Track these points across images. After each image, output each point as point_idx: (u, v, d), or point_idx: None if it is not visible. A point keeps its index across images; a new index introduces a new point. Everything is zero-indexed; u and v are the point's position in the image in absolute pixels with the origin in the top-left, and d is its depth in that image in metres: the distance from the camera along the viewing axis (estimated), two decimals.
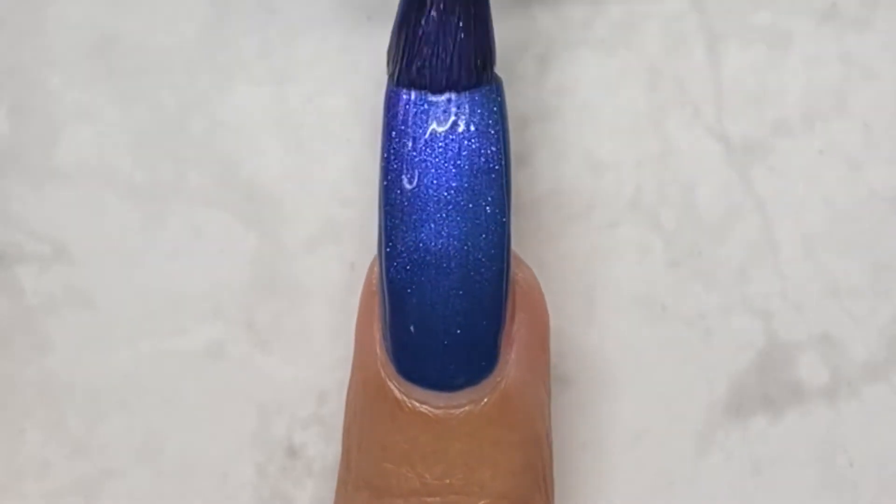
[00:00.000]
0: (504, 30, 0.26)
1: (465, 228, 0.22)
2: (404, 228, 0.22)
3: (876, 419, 0.26)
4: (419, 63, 0.22)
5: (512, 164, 0.26)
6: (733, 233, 0.26)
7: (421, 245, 0.22)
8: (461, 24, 0.21)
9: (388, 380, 0.22)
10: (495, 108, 0.22)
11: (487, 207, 0.22)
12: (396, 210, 0.22)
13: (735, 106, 0.27)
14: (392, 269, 0.22)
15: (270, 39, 0.27)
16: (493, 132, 0.22)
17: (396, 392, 0.22)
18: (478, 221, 0.22)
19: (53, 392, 0.26)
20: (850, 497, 0.26)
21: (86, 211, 0.27)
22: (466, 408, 0.22)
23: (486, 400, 0.22)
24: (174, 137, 0.27)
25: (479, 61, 0.22)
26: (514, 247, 0.26)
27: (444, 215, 0.22)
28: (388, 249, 0.22)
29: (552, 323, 0.26)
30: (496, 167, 0.22)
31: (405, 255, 0.22)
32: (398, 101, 0.22)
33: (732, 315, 0.26)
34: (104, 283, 0.27)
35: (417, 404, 0.22)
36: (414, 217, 0.22)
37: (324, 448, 0.25)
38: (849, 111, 0.27)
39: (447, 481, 0.22)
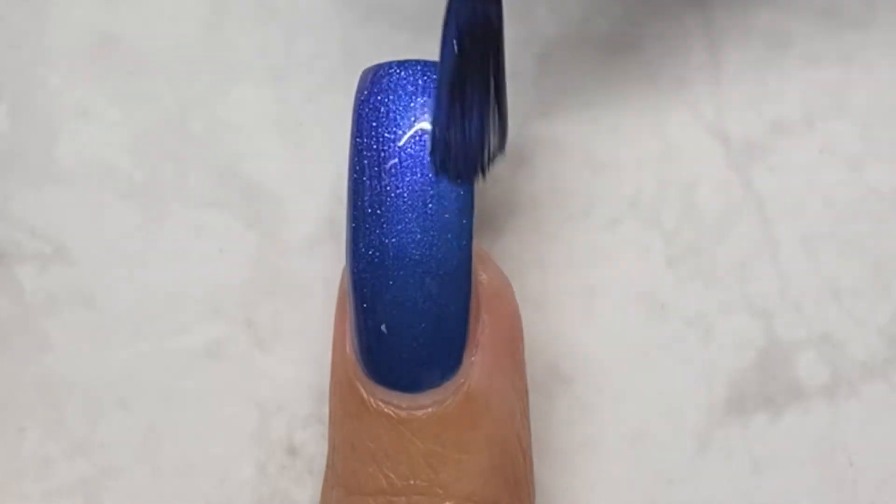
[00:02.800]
0: (504, 29, 0.26)
1: (427, 230, 0.22)
2: (368, 228, 0.22)
3: (876, 419, 0.26)
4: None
5: (510, 164, 0.26)
6: (733, 232, 0.26)
7: (383, 245, 0.22)
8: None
9: (355, 379, 0.22)
10: None
11: (451, 209, 0.22)
12: (360, 210, 0.22)
13: (735, 106, 0.27)
14: (356, 269, 0.22)
15: (270, 39, 0.27)
16: None
17: (362, 392, 0.22)
18: (441, 223, 0.22)
19: (53, 392, 0.26)
20: (850, 497, 0.26)
21: (86, 211, 0.27)
22: (429, 409, 0.22)
23: (448, 401, 0.22)
24: (174, 137, 0.27)
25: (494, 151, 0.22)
26: (513, 247, 0.26)
27: (407, 216, 0.22)
28: (352, 249, 0.22)
29: (552, 323, 0.26)
30: None
31: (367, 256, 0.22)
32: (367, 102, 0.22)
33: (732, 314, 0.26)
34: (104, 283, 0.27)
35: (382, 405, 0.22)
36: (377, 217, 0.22)
37: (324, 447, 0.25)
38: (849, 111, 0.27)
39: (411, 482, 0.22)
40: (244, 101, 0.27)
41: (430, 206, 0.22)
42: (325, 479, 0.23)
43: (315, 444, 0.26)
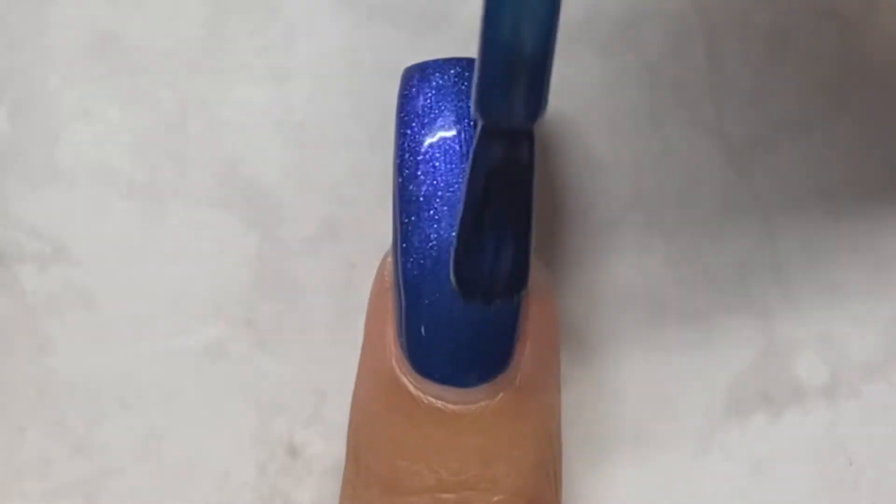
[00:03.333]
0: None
1: None
2: (420, 225, 0.22)
3: (876, 418, 0.26)
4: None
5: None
6: (733, 232, 0.26)
7: (436, 241, 0.22)
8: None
9: (402, 376, 0.22)
10: None
11: None
12: (412, 207, 0.22)
13: (735, 106, 0.27)
14: (408, 266, 0.22)
15: (270, 39, 0.27)
16: None
17: (411, 388, 0.22)
18: None
19: (53, 392, 0.26)
20: (850, 497, 0.26)
21: (86, 211, 0.27)
22: (482, 403, 0.22)
23: (500, 395, 0.22)
24: (174, 137, 0.27)
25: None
26: None
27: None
28: (403, 245, 0.22)
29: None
30: None
31: (420, 251, 0.22)
32: (416, 99, 0.22)
33: (732, 314, 0.26)
34: (104, 283, 0.27)
35: (433, 400, 0.22)
36: (429, 214, 0.22)
37: (324, 447, 0.25)
38: (849, 111, 0.27)
39: (462, 477, 0.22)
40: (244, 101, 0.27)
41: None
42: (348, 482, 0.23)
43: (315, 444, 0.26)
